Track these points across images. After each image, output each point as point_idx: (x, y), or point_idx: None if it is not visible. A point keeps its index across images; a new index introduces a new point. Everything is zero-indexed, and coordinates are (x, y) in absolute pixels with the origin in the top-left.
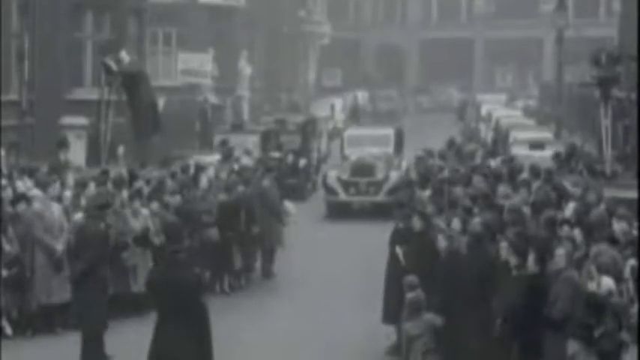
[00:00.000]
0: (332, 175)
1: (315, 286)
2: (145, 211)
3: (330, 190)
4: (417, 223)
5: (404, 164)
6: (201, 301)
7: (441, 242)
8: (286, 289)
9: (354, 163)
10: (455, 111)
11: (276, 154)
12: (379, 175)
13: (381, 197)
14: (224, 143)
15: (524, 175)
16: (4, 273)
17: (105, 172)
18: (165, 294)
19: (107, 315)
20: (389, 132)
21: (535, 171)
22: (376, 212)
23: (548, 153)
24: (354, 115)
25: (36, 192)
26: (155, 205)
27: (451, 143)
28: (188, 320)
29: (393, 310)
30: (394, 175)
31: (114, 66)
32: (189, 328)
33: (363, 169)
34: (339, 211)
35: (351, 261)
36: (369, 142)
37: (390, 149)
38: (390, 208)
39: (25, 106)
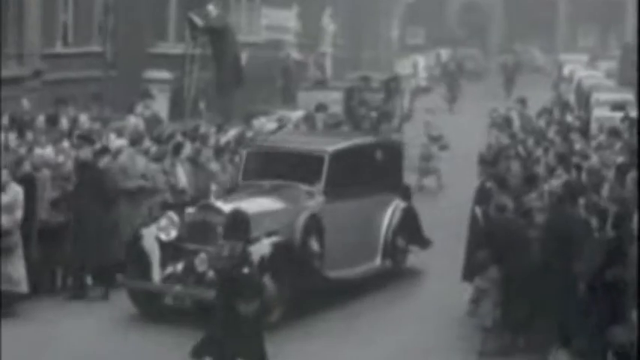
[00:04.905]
0: (148, 235)
1: None
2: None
3: (138, 266)
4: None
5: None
6: None
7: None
8: None
9: (192, 213)
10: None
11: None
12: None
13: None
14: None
15: (602, 136)
16: None
17: (196, 129)
18: None
19: None
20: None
21: (615, 132)
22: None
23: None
24: (452, 75)
25: (121, 142)
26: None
27: (521, 100)
28: None
29: (473, 269)
30: (263, 246)
31: (200, 21)
32: None
33: (203, 225)
34: (152, 310)
35: None
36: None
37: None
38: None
39: (109, 58)
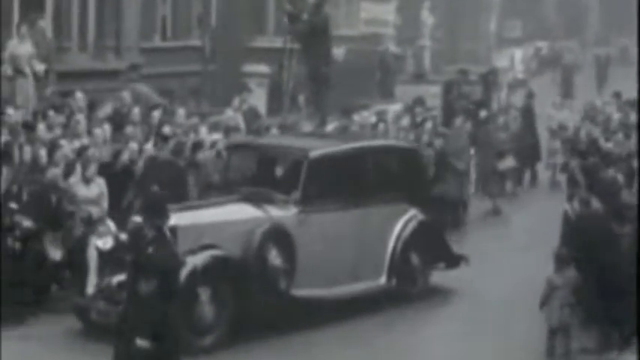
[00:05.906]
0: (92, 243)
1: None
2: None
3: (78, 276)
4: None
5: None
6: None
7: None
8: None
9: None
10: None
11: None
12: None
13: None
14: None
15: None
16: None
17: (295, 123)
18: None
19: None
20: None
21: None
22: None
23: None
24: (567, 69)
25: (216, 136)
26: None
27: (617, 94)
28: None
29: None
30: (197, 257)
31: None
32: None
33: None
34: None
35: None
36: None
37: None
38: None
39: (207, 52)
